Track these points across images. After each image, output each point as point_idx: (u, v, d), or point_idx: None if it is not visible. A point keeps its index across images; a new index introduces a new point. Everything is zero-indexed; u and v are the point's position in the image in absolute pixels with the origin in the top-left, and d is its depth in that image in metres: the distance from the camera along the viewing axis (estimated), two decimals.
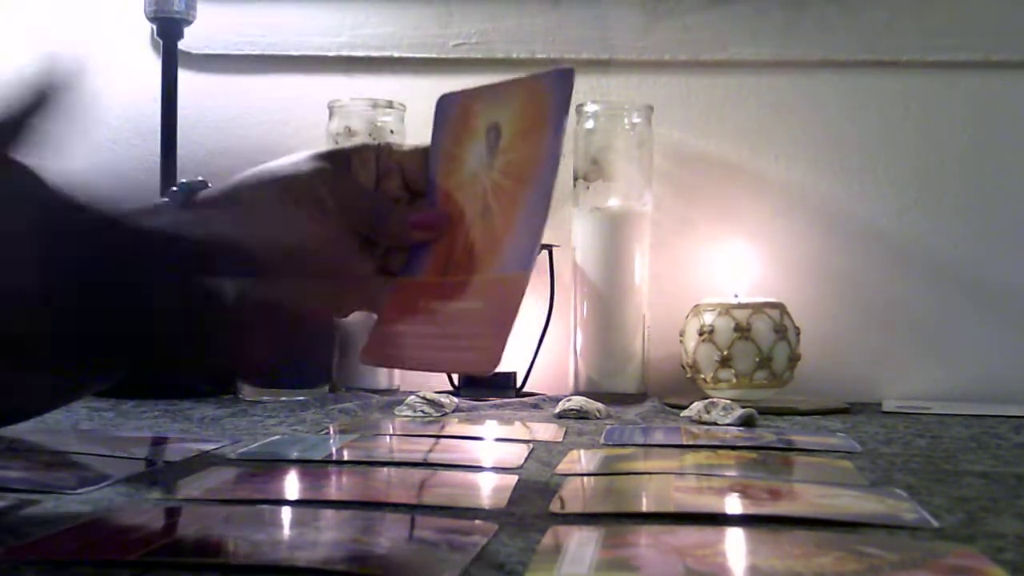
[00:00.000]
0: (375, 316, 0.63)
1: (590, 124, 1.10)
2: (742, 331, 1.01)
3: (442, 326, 0.57)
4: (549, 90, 0.57)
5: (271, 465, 0.61)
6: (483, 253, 0.58)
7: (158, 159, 1.11)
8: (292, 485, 0.56)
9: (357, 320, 0.74)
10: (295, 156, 0.62)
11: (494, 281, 0.56)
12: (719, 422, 0.84)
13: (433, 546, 0.42)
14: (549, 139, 0.57)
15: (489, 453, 0.70)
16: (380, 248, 0.63)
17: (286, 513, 0.49)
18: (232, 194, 0.62)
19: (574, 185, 1.11)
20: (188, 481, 0.54)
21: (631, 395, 1.06)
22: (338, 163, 0.61)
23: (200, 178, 0.64)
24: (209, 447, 0.67)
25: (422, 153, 0.63)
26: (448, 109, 0.63)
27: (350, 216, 0.61)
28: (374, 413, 0.90)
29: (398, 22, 1.21)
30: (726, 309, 1.03)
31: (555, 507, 0.49)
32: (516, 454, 0.66)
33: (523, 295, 0.54)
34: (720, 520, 0.48)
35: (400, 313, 0.61)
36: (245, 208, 0.61)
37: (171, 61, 1.11)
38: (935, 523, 0.47)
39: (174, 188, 0.62)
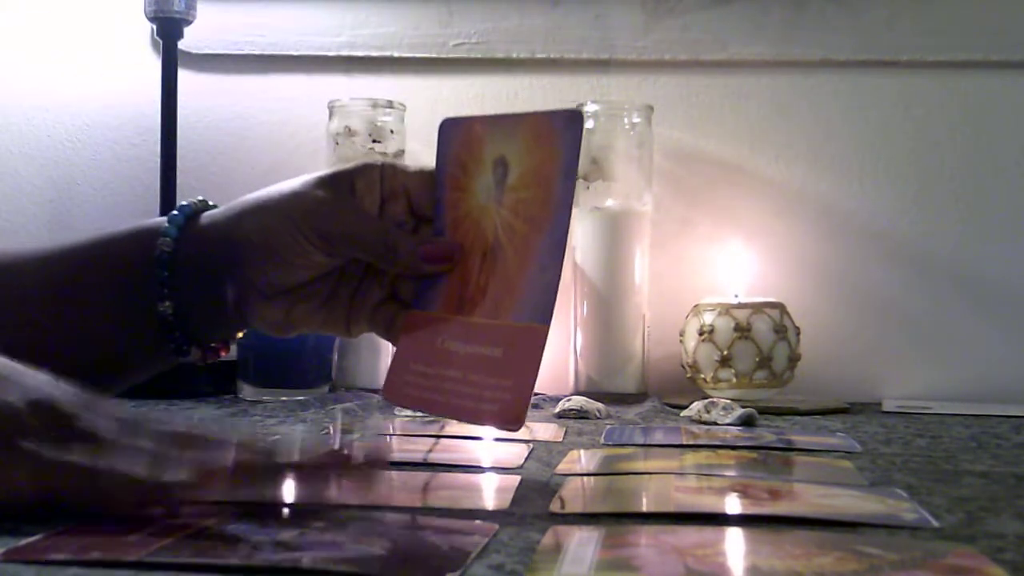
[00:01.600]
0: (391, 344, 0.62)
1: (590, 124, 1.10)
2: (742, 331, 1.02)
3: (463, 371, 0.56)
4: (558, 131, 0.56)
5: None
6: (498, 295, 0.57)
7: (158, 159, 1.11)
8: (292, 485, 0.56)
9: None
10: (297, 181, 0.61)
11: (512, 330, 0.55)
12: (719, 422, 0.84)
13: (433, 546, 0.42)
14: (560, 184, 0.55)
15: (489, 453, 0.70)
16: (388, 276, 0.62)
17: (286, 513, 0.49)
18: (234, 222, 0.61)
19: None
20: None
21: (631, 395, 1.06)
22: (341, 187, 0.60)
23: (200, 199, 0.64)
24: None
25: (428, 176, 0.62)
26: (452, 134, 0.62)
27: (356, 245, 0.60)
28: (374, 413, 0.90)
29: (398, 22, 1.21)
30: (726, 309, 1.03)
31: (555, 507, 0.49)
32: (516, 454, 0.66)
33: (543, 348, 0.53)
34: (720, 520, 0.48)
35: (417, 348, 0.60)
36: (245, 237, 0.60)
37: (171, 61, 1.11)
38: (935, 523, 0.47)
39: (175, 212, 0.62)
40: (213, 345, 0.66)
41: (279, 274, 0.60)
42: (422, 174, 0.62)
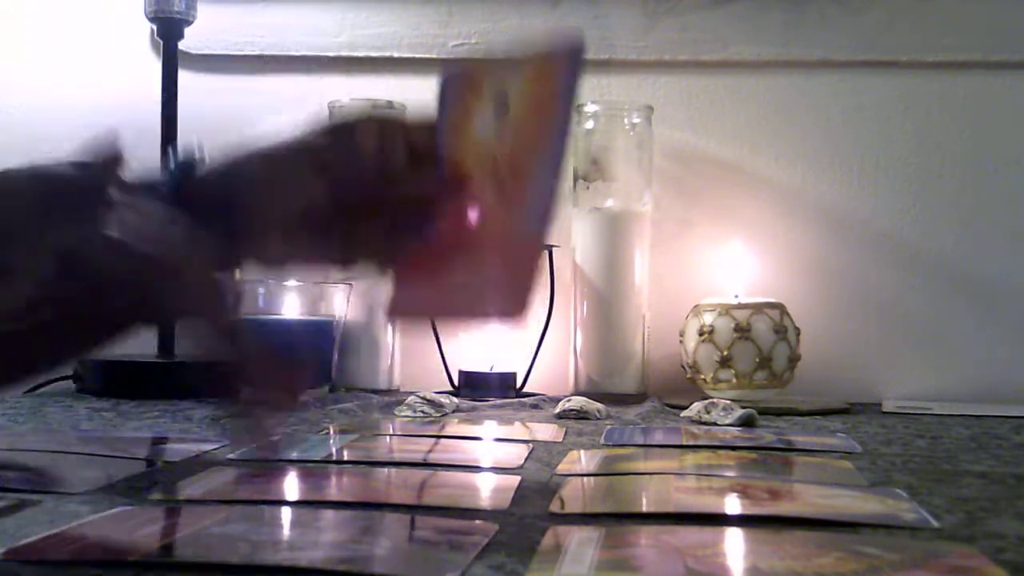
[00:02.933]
0: (390, 275, 0.63)
1: (590, 124, 1.10)
2: (742, 331, 1.01)
3: (465, 281, 0.59)
4: (559, 62, 0.58)
5: (271, 465, 0.61)
6: (498, 217, 0.59)
7: (158, 159, 1.11)
8: (292, 485, 0.56)
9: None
10: (297, 130, 0.63)
11: (512, 241, 0.57)
12: (719, 422, 0.84)
13: (433, 546, 0.42)
14: (560, 108, 0.57)
15: (489, 453, 0.70)
16: (388, 214, 0.62)
17: (286, 513, 0.49)
18: (231, 172, 0.62)
19: (574, 185, 1.11)
20: (188, 481, 0.54)
21: (631, 395, 1.06)
22: (342, 136, 0.62)
23: (197, 152, 0.64)
24: (209, 447, 0.67)
25: (429, 125, 0.63)
26: (454, 81, 0.63)
27: (357, 181, 0.61)
28: (374, 413, 0.90)
29: (398, 22, 1.20)
30: (726, 309, 1.03)
31: (555, 507, 0.49)
32: (516, 454, 0.66)
33: (542, 252, 0.56)
34: (720, 520, 0.48)
35: (417, 273, 0.61)
36: (246, 183, 0.61)
37: (171, 61, 1.11)
38: (935, 523, 0.47)
39: (171, 167, 0.62)
40: None
41: (277, 211, 0.61)
42: (422, 124, 0.63)
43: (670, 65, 1.19)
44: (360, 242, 0.63)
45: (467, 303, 0.59)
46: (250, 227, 0.61)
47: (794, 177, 1.18)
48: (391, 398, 0.98)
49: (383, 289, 0.64)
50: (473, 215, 0.60)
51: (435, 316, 0.63)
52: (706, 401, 0.89)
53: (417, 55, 1.20)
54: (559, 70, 0.58)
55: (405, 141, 0.62)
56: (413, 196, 0.61)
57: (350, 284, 1.06)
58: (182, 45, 1.12)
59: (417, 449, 0.69)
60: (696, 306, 1.06)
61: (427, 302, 0.62)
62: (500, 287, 0.57)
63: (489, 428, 0.82)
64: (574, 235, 1.10)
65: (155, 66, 1.13)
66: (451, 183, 0.61)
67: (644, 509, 0.51)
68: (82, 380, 1.04)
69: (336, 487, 0.56)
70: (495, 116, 0.60)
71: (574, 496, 0.53)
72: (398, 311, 0.63)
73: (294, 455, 0.64)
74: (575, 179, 1.10)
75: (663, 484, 0.56)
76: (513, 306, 0.55)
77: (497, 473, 0.60)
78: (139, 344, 1.13)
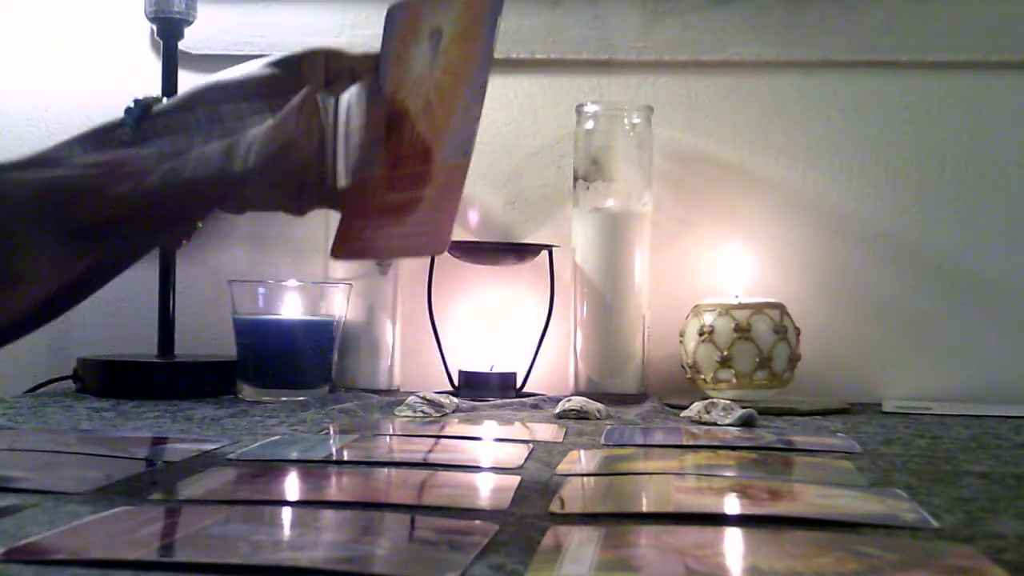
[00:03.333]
0: (337, 213, 0.66)
1: (590, 124, 1.10)
2: (742, 331, 1.02)
3: (397, 215, 0.61)
4: None
5: (271, 465, 0.61)
6: (428, 145, 0.61)
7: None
8: (292, 485, 0.56)
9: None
10: (247, 64, 0.65)
11: (439, 169, 0.60)
12: (719, 422, 0.84)
13: (433, 546, 0.42)
14: (483, 37, 0.60)
15: (489, 453, 0.70)
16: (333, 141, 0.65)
17: (286, 513, 0.49)
18: (186, 104, 0.63)
19: (574, 185, 1.11)
20: (188, 481, 0.54)
21: (631, 395, 1.06)
22: (288, 68, 0.64)
23: (154, 95, 0.65)
24: (209, 447, 0.67)
25: (372, 58, 0.66)
26: (397, 17, 0.67)
27: (296, 112, 0.62)
28: (374, 413, 0.90)
29: None
30: (726, 309, 1.03)
31: (555, 507, 0.50)
32: (516, 454, 0.66)
33: (464, 179, 0.58)
34: (720, 520, 0.48)
35: (359, 208, 0.64)
36: (202, 116, 0.63)
37: (171, 61, 1.11)
38: (935, 523, 0.47)
39: (129, 106, 0.64)
40: (184, 231, 0.68)
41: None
42: (366, 56, 0.66)
43: (670, 65, 1.19)
44: (309, 174, 0.64)
45: (398, 243, 0.62)
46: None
47: (794, 177, 1.18)
48: (391, 398, 0.98)
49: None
50: (406, 146, 0.63)
51: (370, 255, 0.65)
52: (706, 401, 0.89)
53: None
54: (484, 2, 0.61)
55: (350, 73, 0.65)
56: (358, 128, 0.64)
57: (350, 284, 1.06)
58: (182, 45, 1.12)
59: (417, 449, 0.69)
60: (696, 306, 1.06)
61: (363, 242, 0.64)
62: (428, 224, 0.59)
63: (489, 428, 0.82)
64: (574, 235, 1.10)
65: (155, 66, 1.13)
66: (390, 115, 0.64)
67: (644, 509, 0.51)
68: (82, 380, 1.04)
69: (336, 487, 0.56)
70: (430, 50, 0.63)
71: (574, 496, 0.53)
72: (339, 252, 0.65)
73: (294, 455, 0.64)
74: (575, 179, 1.11)
75: (663, 484, 0.56)
76: (438, 241, 0.58)
77: (497, 473, 0.60)
78: (139, 344, 1.14)
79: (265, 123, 0.61)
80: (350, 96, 0.66)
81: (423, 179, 0.61)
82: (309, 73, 0.64)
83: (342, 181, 0.64)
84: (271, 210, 0.67)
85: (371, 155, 0.64)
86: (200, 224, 0.64)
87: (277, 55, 0.65)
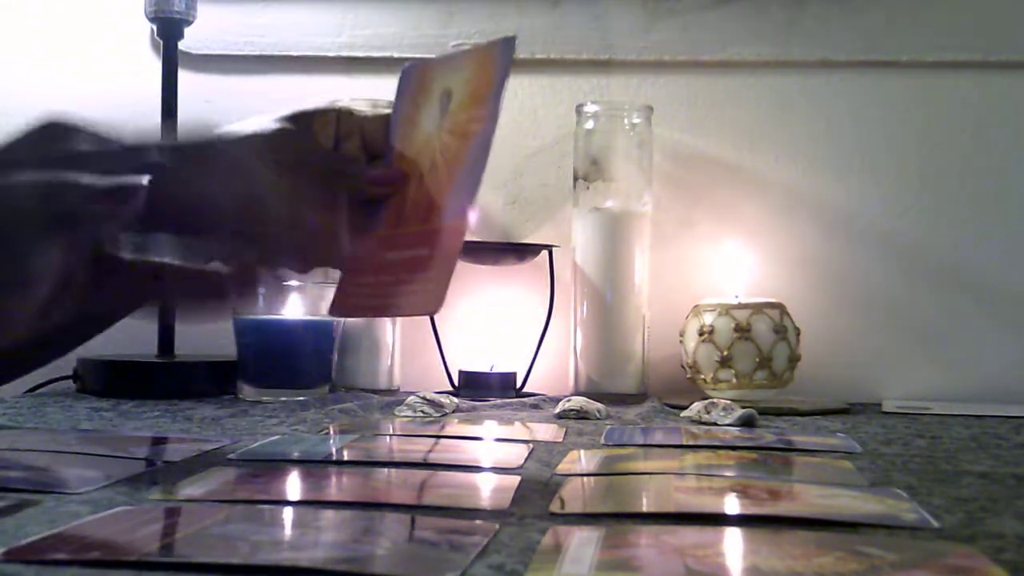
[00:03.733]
0: (339, 273, 0.66)
1: (590, 124, 1.10)
2: (742, 331, 1.01)
3: (396, 274, 0.62)
4: (495, 57, 0.63)
5: (271, 465, 0.61)
6: (433, 205, 0.62)
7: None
8: (292, 485, 0.56)
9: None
10: (261, 118, 0.65)
11: (439, 230, 0.61)
12: (719, 422, 0.84)
13: (433, 546, 0.42)
14: (491, 101, 0.61)
15: (489, 453, 0.70)
16: (342, 208, 0.64)
17: (286, 513, 0.49)
18: (196, 164, 0.63)
19: (574, 185, 1.11)
20: (188, 481, 0.54)
21: (631, 395, 1.06)
22: (300, 124, 0.65)
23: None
24: (209, 447, 0.67)
25: (382, 118, 0.67)
26: (411, 77, 0.67)
27: (308, 172, 0.63)
28: (374, 413, 0.90)
29: (398, 22, 1.21)
30: (726, 309, 1.03)
31: (555, 507, 0.49)
32: (516, 454, 0.66)
33: (462, 242, 0.59)
34: (720, 520, 0.48)
35: (361, 266, 0.64)
36: (211, 167, 0.62)
37: (171, 61, 1.11)
38: (935, 523, 0.47)
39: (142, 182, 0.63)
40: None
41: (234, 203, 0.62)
42: (377, 116, 0.67)
43: (670, 65, 1.19)
44: (314, 235, 0.64)
45: (392, 301, 0.62)
46: (207, 223, 0.62)
47: (794, 177, 1.18)
48: (391, 398, 0.98)
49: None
50: (411, 205, 0.63)
51: (367, 314, 0.65)
52: (706, 401, 0.89)
53: (417, 55, 1.20)
54: (495, 64, 0.63)
55: (361, 134, 0.66)
56: (364, 189, 0.64)
57: None
58: (182, 45, 1.12)
59: (417, 449, 0.69)
60: (696, 306, 1.06)
61: (362, 299, 0.64)
62: (424, 283, 0.60)
63: (489, 428, 0.82)
64: (574, 235, 1.10)
65: (155, 66, 1.13)
66: (395, 172, 0.65)
67: (644, 509, 0.51)
68: (82, 380, 1.04)
69: (336, 487, 0.56)
70: (440, 111, 0.64)
71: (574, 496, 0.53)
72: (338, 308, 0.66)
73: (294, 455, 0.64)
74: (575, 179, 1.11)
75: (663, 484, 0.56)
76: (432, 300, 0.58)
77: (497, 473, 0.60)
78: (139, 344, 1.13)
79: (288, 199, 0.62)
80: (356, 154, 0.66)
81: (426, 239, 0.61)
82: (320, 131, 0.65)
83: (349, 245, 0.64)
84: (266, 263, 0.65)
85: (377, 214, 0.65)
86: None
87: (289, 110, 0.65)
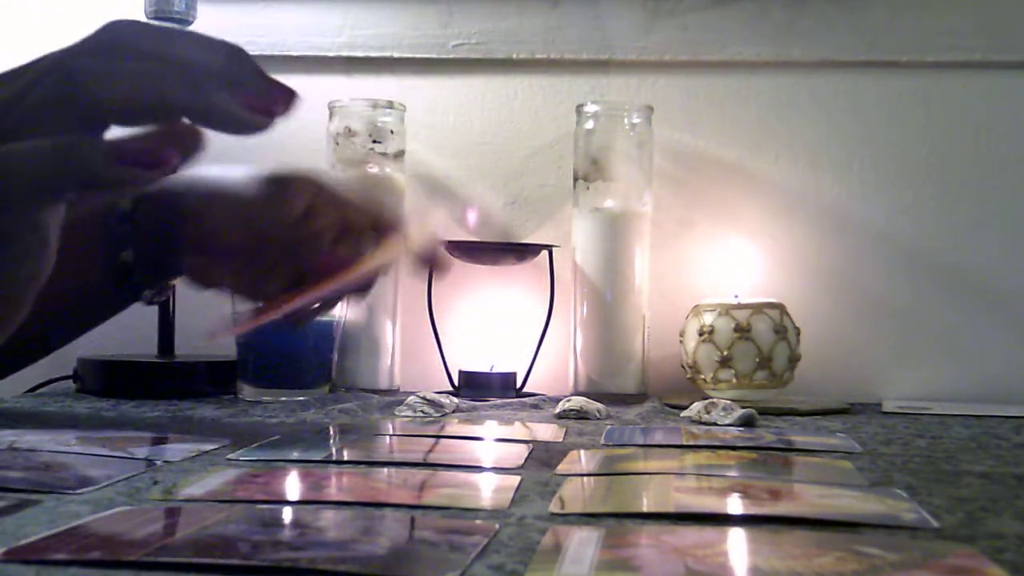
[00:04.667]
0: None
1: (590, 124, 1.10)
2: (742, 331, 1.01)
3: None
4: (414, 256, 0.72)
5: (271, 465, 0.61)
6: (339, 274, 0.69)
7: None
8: (292, 485, 0.56)
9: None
10: (250, 171, 0.72)
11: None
12: (719, 422, 0.84)
13: (433, 546, 0.42)
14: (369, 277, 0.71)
15: (489, 453, 0.70)
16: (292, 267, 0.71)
17: (286, 513, 0.49)
18: (181, 195, 0.73)
19: (574, 185, 1.11)
20: (188, 481, 0.54)
21: (631, 395, 1.06)
22: (275, 189, 0.71)
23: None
24: (209, 447, 0.67)
25: (351, 202, 0.72)
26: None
27: (269, 241, 0.70)
28: (374, 413, 0.90)
29: (398, 22, 1.21)
30: (726, 309, 1.03)
31: (555, 507, 0.50)
32: (516, 454, 0.66)
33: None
34: (720, 520, 0.48)
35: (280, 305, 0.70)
36: (188, 209, 0.73)
37: None
38: (935, 523, 0.47)
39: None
40: (160, 288, 0.80)
41: (209, 239, 0.72)
42: (350, 198, 0.72)
43: (670, 65, 1.19)
44: (268, 280, 0.71)
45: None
46: (184, 247, 0.73)
47: (794, 177, 1.18)
48: (391, 398, 0.98)
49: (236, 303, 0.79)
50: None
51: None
52: (706, 401, 0.89)
53: (417, 55, 1.20)
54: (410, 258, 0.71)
55: (337, 213, 0.70)
56: (318, 262, 0.69)
57: None
58: None
59: (417, 449, 0.69)
60: (696, 306, 1.06)
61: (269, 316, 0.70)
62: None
63: (489, 428, 0.82)
64: (574, 235, 1.10)
65: None
66: (355, 260, 0.70)
67: (644, 509, 0.51)
68: (82, 380, 1.04)
69: (336, 487, 0.56)
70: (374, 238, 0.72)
71: (574, 496, 0.53)
72: (242, 323, 0.75)
73: (294, 455, 0.64)
74: (575, 179, 1.11)
75: (663, 484, 0.56)
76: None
77: (497, 473, 0.60)
78: (139, 344, 1.13)
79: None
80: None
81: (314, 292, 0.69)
82: (293, 199, 0.70)
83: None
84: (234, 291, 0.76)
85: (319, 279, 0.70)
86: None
87: (269, 171, 0.71)
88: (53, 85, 0.51)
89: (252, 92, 0.54)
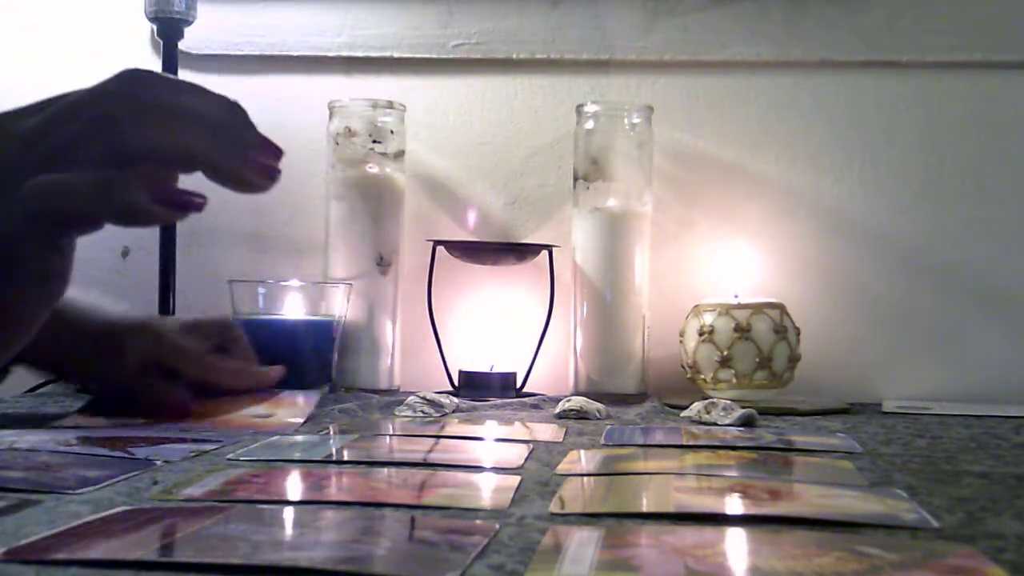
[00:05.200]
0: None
1: (590, 124, 1.10)
2: (742, 331, 1.01)
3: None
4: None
5: (271, 465, 0.61)
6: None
7: None
8: (292, 485, 0.56)
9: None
10: (179, 319, 0.89)
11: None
12: (719, 422, 0.84)
13: (433, 546, 0.42)
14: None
15: (489, 453, 0.70)
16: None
17: (286, 513, 0.49)
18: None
19: (574, 185, 1.11)
20: (188, 481, 0.54)
21: (631, 395, 1.06)
22: (113, 340, 0.81)
23: None
24: (209, 447, 0.67)
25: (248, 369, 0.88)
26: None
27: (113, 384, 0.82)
28: (374, 413, 0.89)
29: (398, 22, 1.21)
30: (726, 309, 1.03)
31: (555, 507, 0.50)
32: (516, 454, 0.66)
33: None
34: (720, 520, 0.48)
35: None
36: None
37: (171, 61, 1.11)
38: (935, 523, 0.47)
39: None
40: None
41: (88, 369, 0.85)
42: (247, 367, 0.89)
43: (670, 65, 1.19)
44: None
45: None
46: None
47: (794, 177, 1.18)
48: (391, 398, 0.98)
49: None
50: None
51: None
52: (706, 401, 0.89)
53: (417, 55, 1.20)
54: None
55: (175, 361, 0.83)
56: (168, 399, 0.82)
57: (350, 284, 1.06)
58: (182, 45, 1.13)
59: (417, 449, 0.69)
60: (696, 306, 1.06)
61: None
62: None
63: (489, 428, 0.82)
64: (574, 235, 1.10)
65: (155, 66, 1.13)
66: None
67: (644, 509, 0.51)
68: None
69: (336, 487, 0.56)
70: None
71: (574, 496, 0.53)
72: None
73: (294, 455, 0.64)
74: (575, 179, 1.11)
75: (663, 484, 0.56)
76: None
77: (497, 473, 0.60)
78: None
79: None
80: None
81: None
82: (129, 347, 0.81)
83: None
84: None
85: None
86: None
87: (110, 320, 0.83)
88: (87, 123, 0.53)
89: (254, 149, 0.55)
